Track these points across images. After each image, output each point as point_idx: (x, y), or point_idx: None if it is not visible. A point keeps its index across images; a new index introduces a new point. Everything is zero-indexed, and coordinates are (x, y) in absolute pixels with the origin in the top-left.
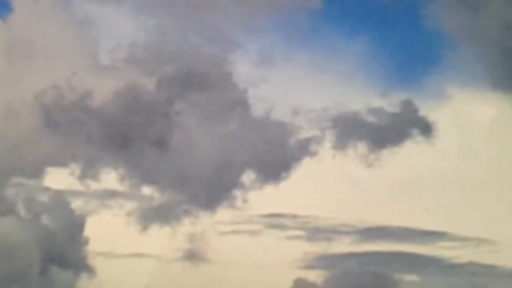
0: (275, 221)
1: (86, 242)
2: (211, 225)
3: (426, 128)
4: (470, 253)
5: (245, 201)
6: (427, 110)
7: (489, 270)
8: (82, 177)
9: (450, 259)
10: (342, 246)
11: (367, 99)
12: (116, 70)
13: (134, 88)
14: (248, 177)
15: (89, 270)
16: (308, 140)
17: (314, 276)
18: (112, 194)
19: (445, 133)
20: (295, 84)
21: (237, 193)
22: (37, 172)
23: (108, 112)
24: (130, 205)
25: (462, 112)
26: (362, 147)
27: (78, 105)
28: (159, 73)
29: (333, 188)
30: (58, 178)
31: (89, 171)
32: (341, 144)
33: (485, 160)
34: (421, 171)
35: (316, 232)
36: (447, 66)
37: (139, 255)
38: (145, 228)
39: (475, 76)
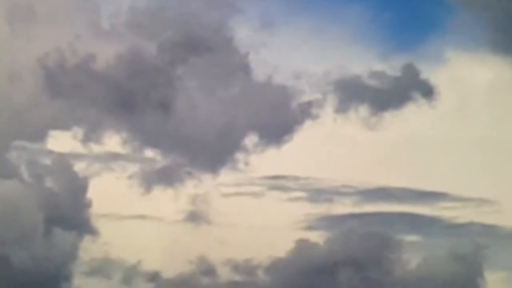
0: (277, 183)
1: (89, 204)
2: (213, 187)
3: (427, 91)
4: (471, 213)
5: (247, 163)
6: (428, 73)
7: (490, 230)
8: (85, 140)
9: (451, 220)
10: (344, 207)
11: (369, 62)
12: (118, 34)
13: (136, 52)
14: (250, 140)
15: (93, 231)
16: (310, 104)
17: (315, 237)
18: (115, 157)
19: (446, 96)
20: (296, 48)
21: (240, 155)
22: (40, 135)
23: (110, 76)
24: (133, 168)
25: (463, 75)
26: (363, 110)
27: (80, 68)
28: (160, 37)
29: (335, 150)
30: (61, 141)
31: (92, 134)
32: (342, 107)
33: (485, 122)
34: (422, 133)
35: (317, 194)
36: (447, 30)
37: (142, 217)
38: (148, 190)
39: (475, 40)
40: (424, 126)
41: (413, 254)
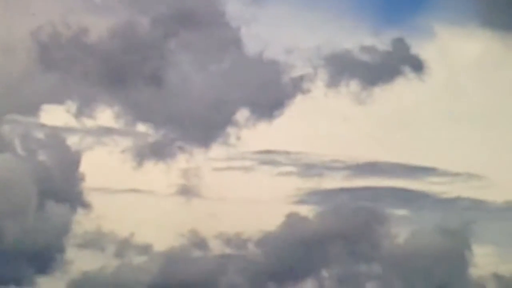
0: (268, 157)
1: (82, 178)
2: (205, 162)
3: (417, 66)
4: (459, 188)
5: (238, 138)
6: (418, 48)
7: (478, 205)
8: (78, 114)
9: (440, 194)
10: (334, 181)
11: (359, 37)
12: (111, 8)
13: (129, 26)
14: (241, 114)
15: (85, 205)
16: (301, 78)
17: (306, 211)
18: (107, 131)
19: (436, 70)
20: (287, 23)
21: (231, 130)
22: (33, 109)
23: (103, 50)
24: (125, 142)
25: (452, 49)
26: (354, 84)
27: (74, 42)
28: (153, 11)
29: (325, 125)
30: (54, 115)
31: (84, 109)
32: (333, 82)
33: (474, 96)
34: (412, 107)
35: (308, 168)
36: (437, 4)
37: (134, 190)
38: (140, 164)
39: (464, 14)
40: (414, 101)
41: (402, 228)
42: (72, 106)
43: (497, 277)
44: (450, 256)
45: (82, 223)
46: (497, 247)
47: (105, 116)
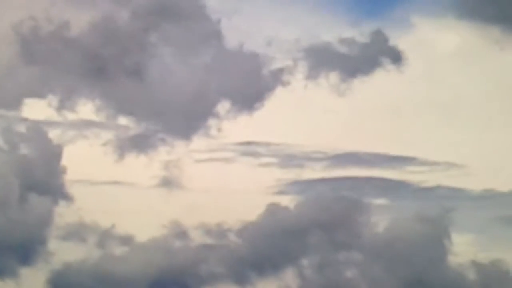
0: (249, 148)
1: (63, 170)
2: (186, 154)
3: (396, 57)
4: (438, 177)
5: (219, 129)
6: (396, 39)
7: (457, 193)
8: (60, 108)
9: (419, 183)
10: (314, 172)
11: (338, 29)
12: (92, 1)
13: (110, 20)
14: (222, 106)
15: (67, 197)
16: (281, 71)
17: (286, 201)
18: (89, 124)
19: (414, 61)
20: (267, 16)
21: (212, 122)
22: (15, 103)
23: (84, 43)
24: (107, 135)
25: (430, 41)
26: (333, 76)
27: (55, 36)
28: (133, 4)
29: (305, 116)
30: (36, 109)
31: (66, 102)
32: (313, 74)
33: (452, 87)
34: (391, 98)
35: (288, 159)
36: None
37: (116, 182)
38: (121, 156)
39: (441, 5)
40: (393, 92)
41: (382, 216)
42: (54, 99)
43: (476, 265)
44: (429, 244)
45: (64, 214)
46: (476, 235)
47: (87, 109)
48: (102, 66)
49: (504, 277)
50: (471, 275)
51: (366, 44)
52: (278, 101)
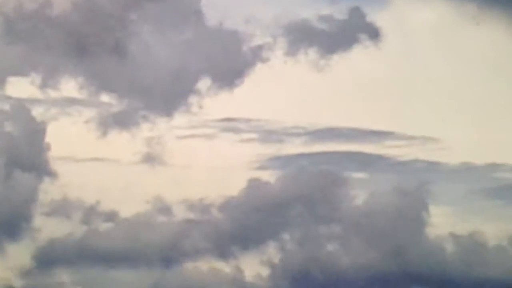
0: (230, 125)
1: (47, 147)
2: (168, 130)
3: (374, 34)
4: (415, 151)
5: (200, 106)
6: (374, 16)
7: (434, 167)
8: (43, 85)
9: (397, 157)
10: (294, 147)
11: (317, 6)
12: None
13: None
14: (203, 83)
15: (51, 174)
16: (260, 48)
17: (267, 176)
18: (71, 101)
19: (391, 37)
20: None
21: (193, 99)
22: None
23: (67, 21)
24: (89, 112)
25: (408, 17)
26: (312, 53)
27: (37, 14)
28: None
29: (285, 92)
30: (19, 87)
31: (49, 80)
32: (292, 50)
33: (429, 62)
34: (369, 74)
35: (268, 135)
36: None
37: (99, 159)
38: (104, 134)
39: None
40: (371, 68)
41: (360, 190)
42: (37, 77)
43: (454, 236)
44: (407, 217)
45: (49, 191)
46: (453, 208)
47: (69, 87)
48: (84, 44)
49: (481, 248)
50: (449, 246)
51: (344, 20)
52: (258, 78)
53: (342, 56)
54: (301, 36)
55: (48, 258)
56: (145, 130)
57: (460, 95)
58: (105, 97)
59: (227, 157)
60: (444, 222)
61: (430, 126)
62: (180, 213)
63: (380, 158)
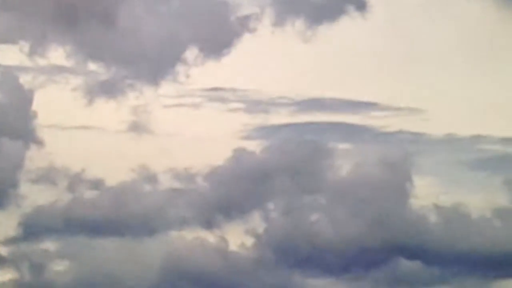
0: (216, 94)
1: (34, 115)
2: (155, 99)
3: (361, 5)
4: (400, 122)
5: (187, 76)
6: None
7: (419, 138)
8: (31, 53)
9: (382, 128)
10: (280, 117)
11: None
12: None
13: None
14: (190, 53)
15: (38, 141)
16: (247, 17)
17: (253, 145)
18: (59, 69)
19: (378, 9)
20: None
21: (180, 68)
22: None
23: None
24: (77, 80)
25: None
26: (299, 23)
27: None
28: None
29: (272, 63)
30: (7, 55)
31: (37, 48)
32: (279, 21)
33: (415, 34)
34: (355, 46)
35: (255, 105)
36: None
37: (86, 127)
38: (90, 102)
39: None
40: (357, 39)
41: (345, 161)
42: (25, 45)
43: (438, 207)
44: (391, 187)
45: (35, 159)
46: (437, 179)
47: (57, 55)
48: (73, 12)
49: (465, 219)
50: (433, 217)
51: None
52: (245, 48)
53: (329, 27)
54: (289, 6)
55: (34, 226)
56: (131, 98)
57: (446, 66)
58: (92, 66)
59: (213, 127)
60: (428, 193)
61: (415, 97)
62: (166, 182)
63: (365, 129)
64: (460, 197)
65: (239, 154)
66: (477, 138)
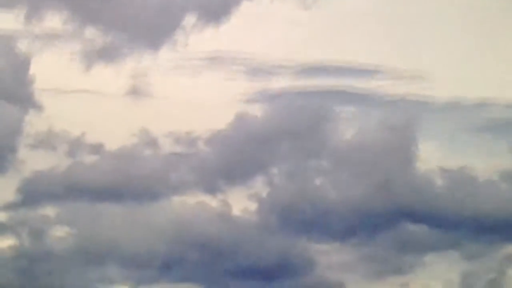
0: (217, 60)
1: (32, 80)
2: (154, 65)
3: None
4: (404, 86)
5: (186, 41)
6: None
7: (423, 103)
8: (28, 18)
9: (385, 93)
10: (282, 82)
11: None
12: None
13: None
14: (189, 18)
15: (36, 106)
16: None
17: (254, 110)
18: (56, 35)
19: None
20: None
21: (179, 35)
22: None
23: None
24: (74, 46)
25: None
26: None
27: None
28: None
29: (272, 28)
30: (4, 20)
31: (34, 13)
32: None
33: None
34: (358, 10)
35: (255, 70)
36: None
37: (85, 91)
38: (89, 67)
39: None
40: (359, 3)
41: (349, 125)
42: (22, 10)
43: (444, 171)
44: (396, 151)
45: (34, 123)
46: (442, 143)
47: (54, 20)
48: None
49: (471, 183)
50: (439, 181)
51: None
52: (244, 14)
53: None
54: None
55: (33, 191)
56: (130, 64)
57: (452, 30)
58: (90, 31)
59: (214, 93)
60: (433, 157)
61: (419, 61)
62: (167, 146)
63: (368, 93)
64: (466, 160)
65: (241, 118)
66: (482, 102)
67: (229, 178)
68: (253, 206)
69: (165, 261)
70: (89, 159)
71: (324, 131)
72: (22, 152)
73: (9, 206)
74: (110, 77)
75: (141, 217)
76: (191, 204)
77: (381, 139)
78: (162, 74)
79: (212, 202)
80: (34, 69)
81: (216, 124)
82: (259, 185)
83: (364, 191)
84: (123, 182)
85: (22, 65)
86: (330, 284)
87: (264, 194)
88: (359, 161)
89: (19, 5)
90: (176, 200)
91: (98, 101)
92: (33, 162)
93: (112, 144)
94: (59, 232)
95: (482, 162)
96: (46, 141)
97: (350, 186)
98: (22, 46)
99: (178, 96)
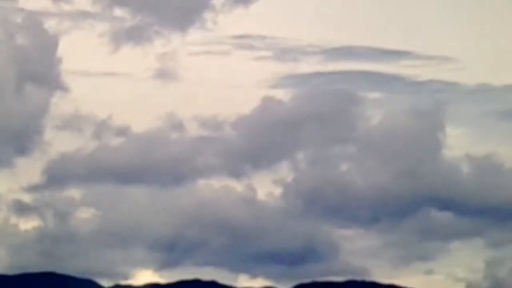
0: (244, 42)
1: (59, 61)
2: (182, 46)
3: None
4: (432, 71)
5: (215, 22)
6: None
7: (451, 87)
8: None
9: (413, 77)
10: (309, 66)
11: None
12: None
13: None
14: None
15: (63, 87)
16: None
17: (281, 94)
18: (84, 15)
19: None
20: None
21: (208, 15)
22: None
23: None
24: (102, 27)
25: None
26: None
27: None
28: None
29: (301, 10)
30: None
31: None
32: None
33: None
34: None
35: (283, 53)
36: None
37: (112, 74)
38: (117, 48)
39: None
40: None
41: (376, 110)
42: None
43: (470, 158)
44: (423, 137)
45: (60, 105)
46: (470, 129)
47: (82, 0)
48: None
49: (497, 169)
50: (465, 168)
51: None
52: None
53: None
54: None
55: (58, 173)
56: (158, 45)
57: (479, 15)
58: (118, 11)
59: (241, 75)
60: (460, 143)
61: (448, 46)
62: (193, 130)
63: (396, 78)
64: (493, 147)
65: (267, 102)
66: (510, 88)
67: (254, 162)
68: (278, 191)
69: (188, 244)
70: (115, 141)
71: (351, 116)
72: (48, 134)
73: (35, 188)
74: (137, 59)
75: (165, 200)
76: (216, 188)
77: (408, 125)
78: (189, 56)
79: (237, 186)
80: (61, 50)
81: (242, 107)
82: (285, 170)
83: (389, 177)
84: (148, 165)
85: (50, 46)
86: (354, 269)
87: (289, 179)
88: (385, 147)
89: None
90: (201, 183)
91: (125, 84)
92: (59, 144)
93: (138, 126)
94: (84, 214)
95: (509, 149)
96: (72, 123)
97: (376, 172)
98: (51, 26)
99: (205, 78)
